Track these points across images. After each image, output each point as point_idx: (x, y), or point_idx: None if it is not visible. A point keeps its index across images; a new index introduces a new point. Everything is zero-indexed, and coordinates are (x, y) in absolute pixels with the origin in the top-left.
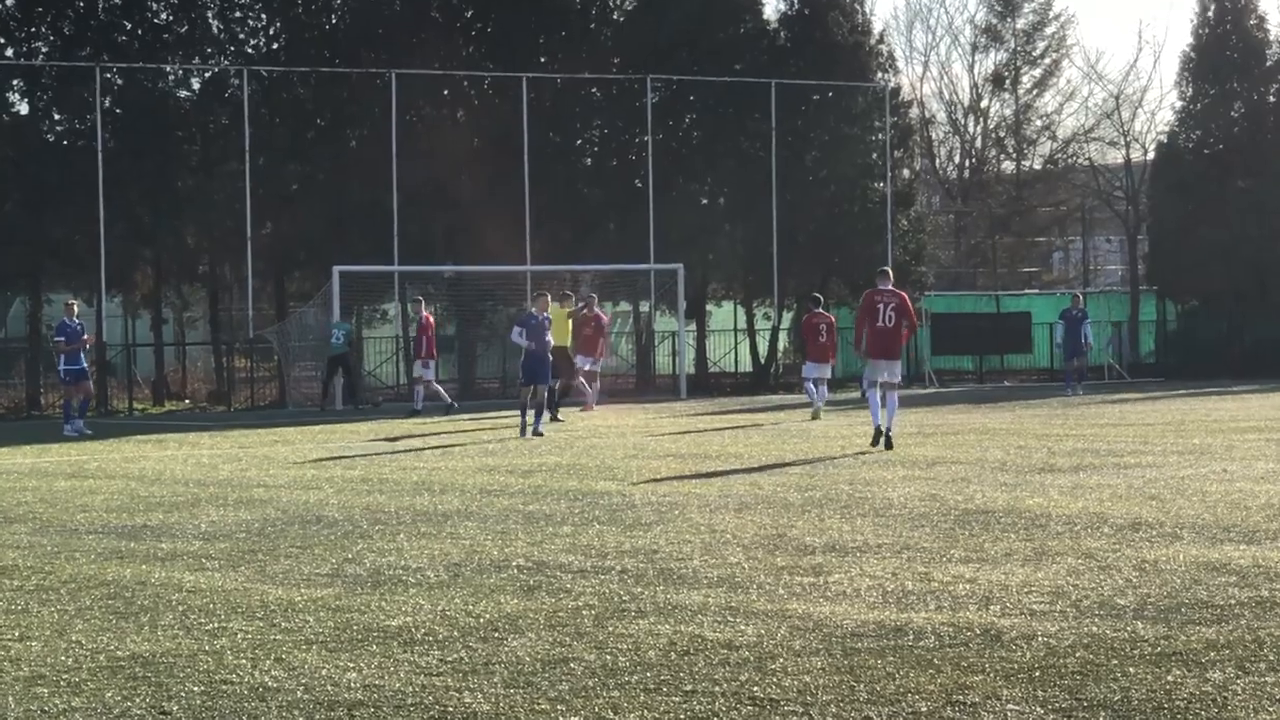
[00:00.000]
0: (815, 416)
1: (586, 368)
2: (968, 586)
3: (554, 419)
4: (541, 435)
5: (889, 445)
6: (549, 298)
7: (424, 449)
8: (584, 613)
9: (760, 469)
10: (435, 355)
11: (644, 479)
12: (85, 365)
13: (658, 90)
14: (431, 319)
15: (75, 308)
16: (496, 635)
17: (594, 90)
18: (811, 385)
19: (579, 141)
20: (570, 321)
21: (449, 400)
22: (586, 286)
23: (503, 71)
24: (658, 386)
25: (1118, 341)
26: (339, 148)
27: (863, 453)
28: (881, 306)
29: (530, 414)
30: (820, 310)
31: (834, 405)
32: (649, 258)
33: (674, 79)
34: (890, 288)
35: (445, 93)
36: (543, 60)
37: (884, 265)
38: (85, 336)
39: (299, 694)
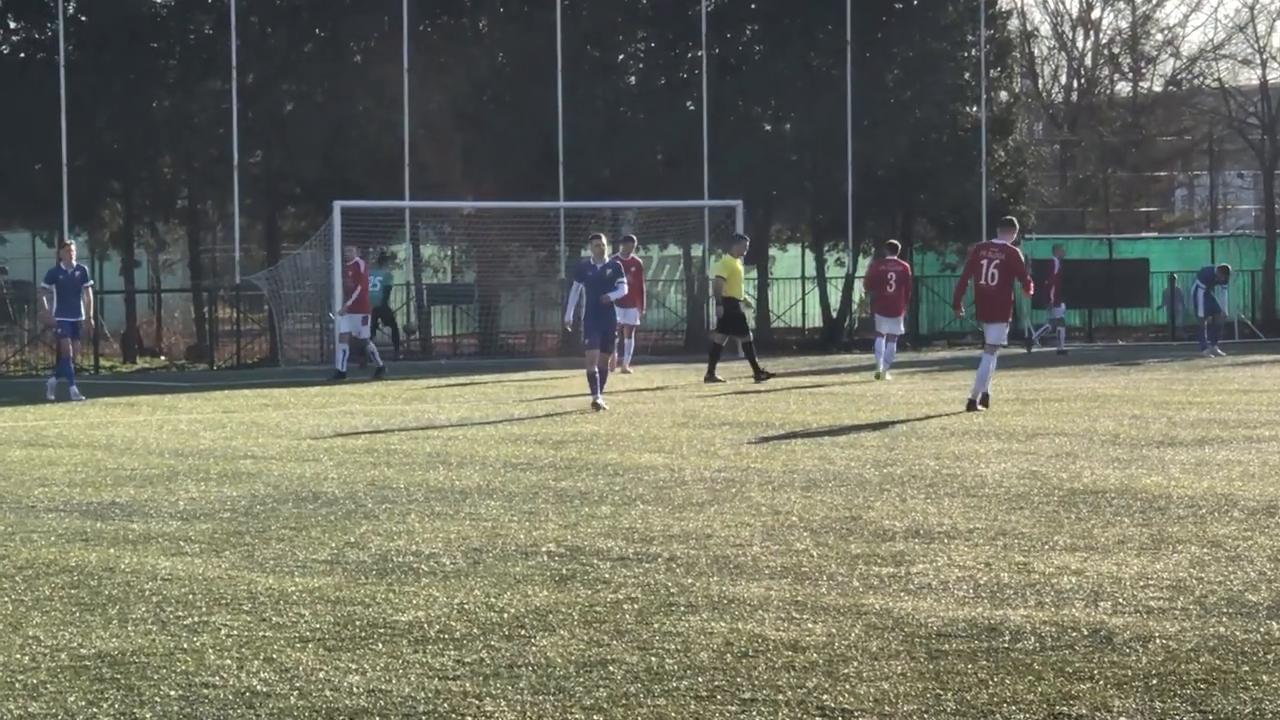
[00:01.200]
0: (878, 377)
1: (632, 321)
2: (1074, 579)
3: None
4: (604, 409)
5: (984, 405)
6: (604, 240)
7: (437, 417)
8: (625, 607)
9: (832, 440)
10: (368, 308)
11: (696, 451)
12: (84, 316)
13: None
14: (363, 265)
15: (74, 250)
16: (523, 633)
17: None
18: (882, 341)
19: (621, 57)
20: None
21: (379, 362)
22: (629, 226)
23: None
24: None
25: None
26: (340, 64)
27: (948, 415)
28: (985, 263)
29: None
30: (891, 257)
31: (918, 366)
32: (702, 193)
33: None
34: (1002, 242)
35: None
36: None
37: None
38: (87, 284)
39: (292, 699)
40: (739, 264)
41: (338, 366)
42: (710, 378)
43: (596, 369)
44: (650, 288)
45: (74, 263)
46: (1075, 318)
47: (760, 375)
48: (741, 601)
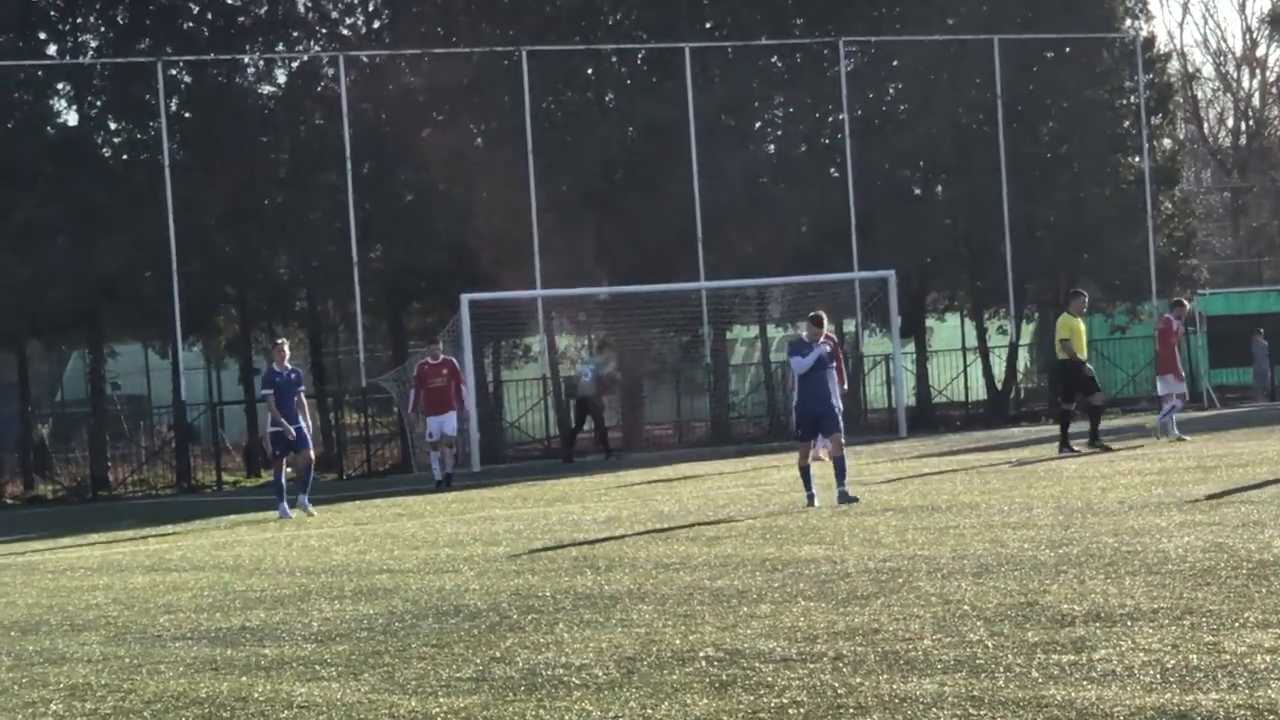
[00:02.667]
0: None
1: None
2: (1268, 658)
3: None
4: (856, 500)
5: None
6: (824, 323)
7: (582, 518)
8: (791, 712)
9: (1003, 520)
10: (425, 409)
11: (858, 540)
12: (305, 426)
13: (852, 55)
14: (434, 362)
15: (287, 350)
16: None
17: (774, 59)
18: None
19: (758, 125)
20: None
21: (440, 474)
22: (775, 304)
23: (659, 43)
24: (870, 423)
25: None
26: (461, 148)
27: (1127, 488)
28: None
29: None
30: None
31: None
32: (852, 264)
33: (871, 40)
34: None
35: (589, 72)
36: (708, 26)
37: (1156, 265)
38: (302, 388)
39: None
40: (1079, 322)
41: (435, 476)
42: (1065, 448)
43: (807, 459)
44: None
45: (287, 365)
46: (1249, 376)
47: (1096, 441)
48: (914, 700)
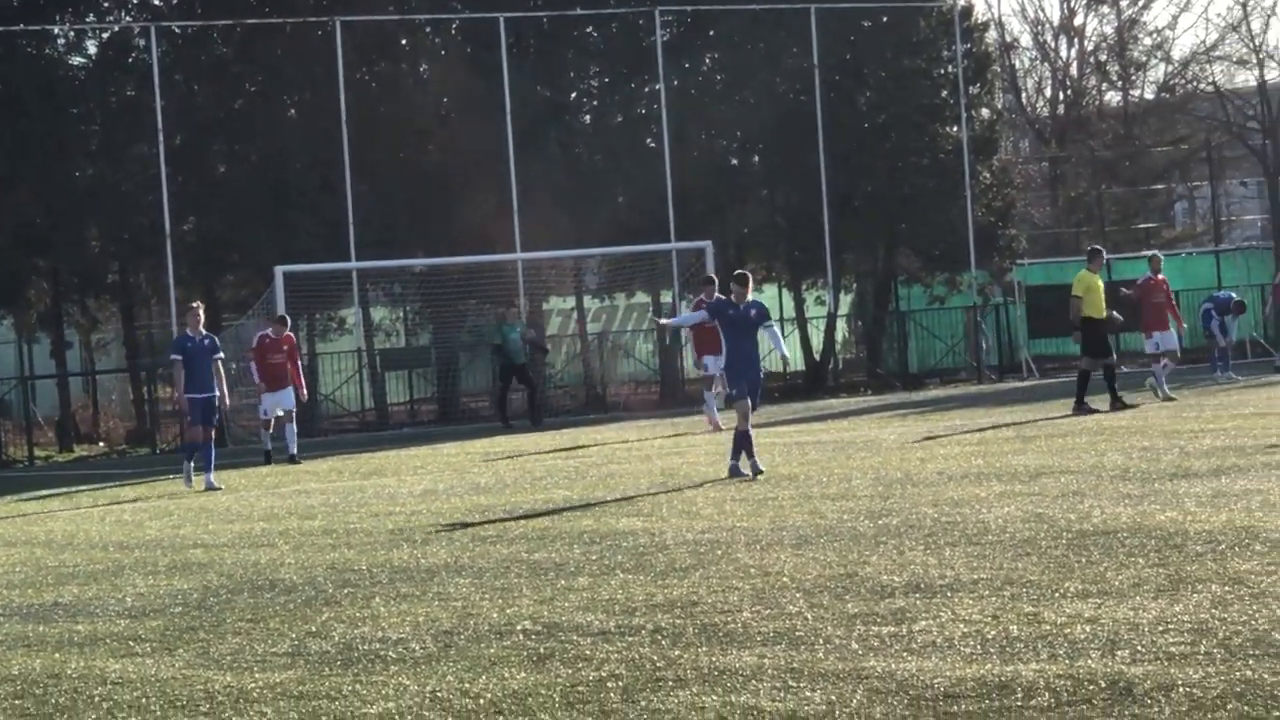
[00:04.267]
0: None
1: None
2: (1088, 628)
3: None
4: (762, 473)
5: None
6: (750, 284)
7: (398, 491)
8: (609, 685)
9: (822, 492)
10: (265, 385)
11: (677, 512)
12: (218, 396)
13: (668, 25)
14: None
15: (201, 315)
16: (501, 719)
17: (589, 30)
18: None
19: (574, 95)
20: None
21: (270, 445)
22: (592, 275)
23: (474, 13)
24: (687, 395)
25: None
26: (274, 119)
27: (946, 459)
28: None
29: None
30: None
31: (909, 408)
32: (669, 235)
33: (687, 9)
34: None
35: (404, 43)
36: None
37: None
38: (219, 355)
39: None
40: (1098, 279)
41: (291, 450)
42: (1081, 408)
43: (746, 423)
44: (617, 338)
45: (201, 330)
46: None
47: (1117, 403)
48: (733, 672)
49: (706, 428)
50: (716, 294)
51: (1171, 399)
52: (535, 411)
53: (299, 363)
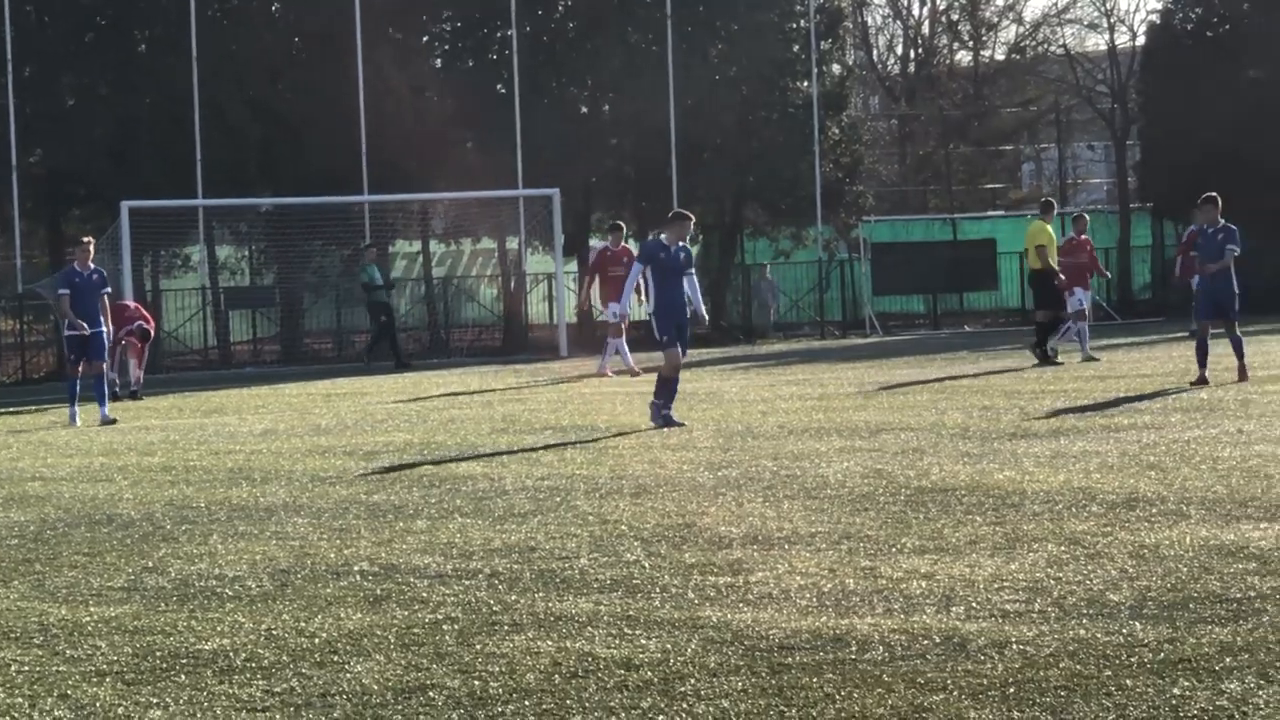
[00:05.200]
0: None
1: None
2: (923, 584)
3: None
4: (683, 425)
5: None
6: (690, 224)
7: (239, 430)
8: (445, 628)
9: (663, 442)
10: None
11: (517, 458)
12: (105, 331)
13: None
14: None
15: (91, 250)
16: (336, 659)
17: None
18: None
19: (425, 38)
20: None
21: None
22: (440, 220)
23: None
24: (531, 342)
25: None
26: (124, 53)
27: (788, 412)
28: None
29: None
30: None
31: (753, 361)
32: (516, 182)
33: None
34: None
35: None
36: None
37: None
38: (106, 290)
39: None
40: (1051, 230)
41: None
42: (1045, 359)
43: (672, 371)
44: (462, 283)
45: (90, 265)
46: (919, 304)
47: (1046, 357)
48: (569, 618)
49: (605, 373)
50: (652, 237)
51: (1094, 358)
52: (399, 353)
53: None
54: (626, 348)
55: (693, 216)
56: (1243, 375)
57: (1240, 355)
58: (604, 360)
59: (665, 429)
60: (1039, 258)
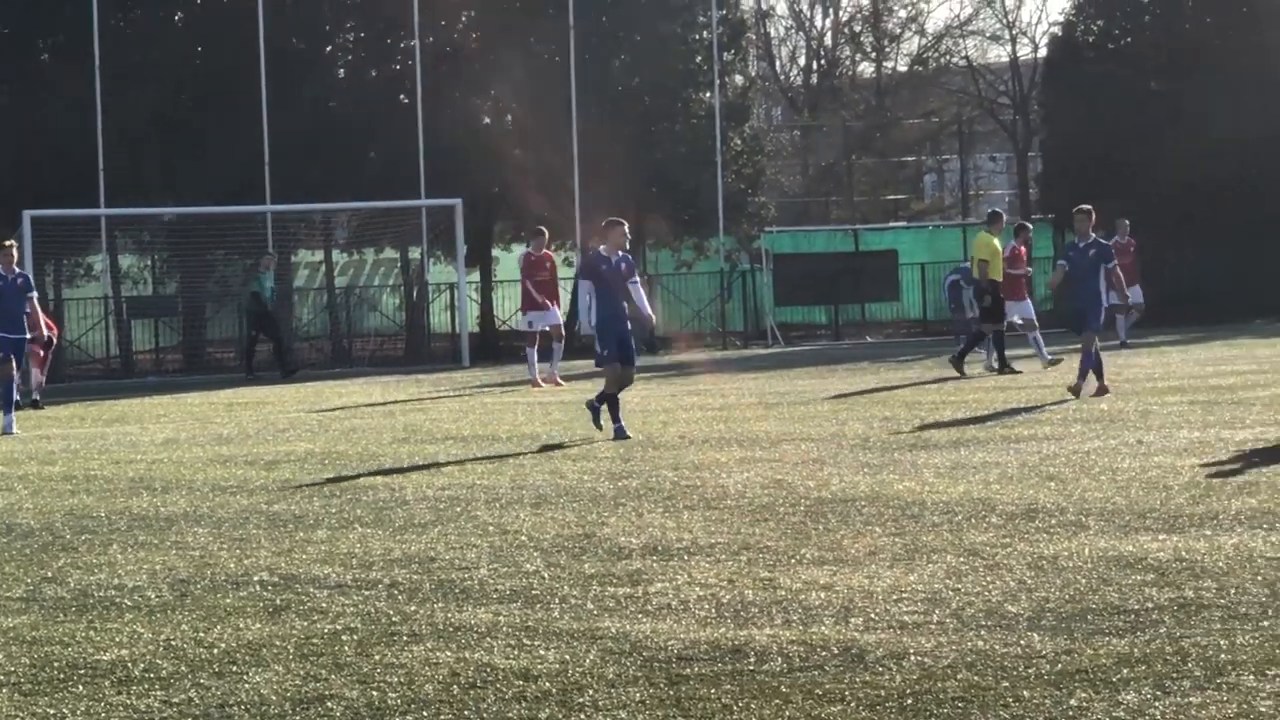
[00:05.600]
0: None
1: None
2: (822, 595)
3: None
4: (629, 438)
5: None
6: (625, 229)
7: (140, 439)
8: (344, 638)
9: (563, 452)
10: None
11: (418, 468)
12: (27, 335)
13: None
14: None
15: (14, 253)
16: (235, 669)
17: None
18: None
19: (329, 49)
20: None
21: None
22: (342, 230)
23: None
24: (433, 352)
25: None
26: (25, 62)
27: (688, 423)
28: None
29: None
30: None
31: (654, 371)
32: (419, 192)
33: None
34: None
35: None
36: None
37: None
38: (32, 294)
39: None
40: (997, 243)
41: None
42: (1005, 367)
43: (614, 387)
44: (364, 293)
45: (15, 269)
46: (820, 315)
47: (960, 367)
48: (468, 629)
49: (534, 384)
50: (597, 249)
51: (1054, 361)
52: (285, 362)
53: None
54: (536, 359)
55: (625, 222)
56: (1078, 390)
57: (1099, 371)
58: (552, 368)
59: (616, 439)
60: (979, 271)
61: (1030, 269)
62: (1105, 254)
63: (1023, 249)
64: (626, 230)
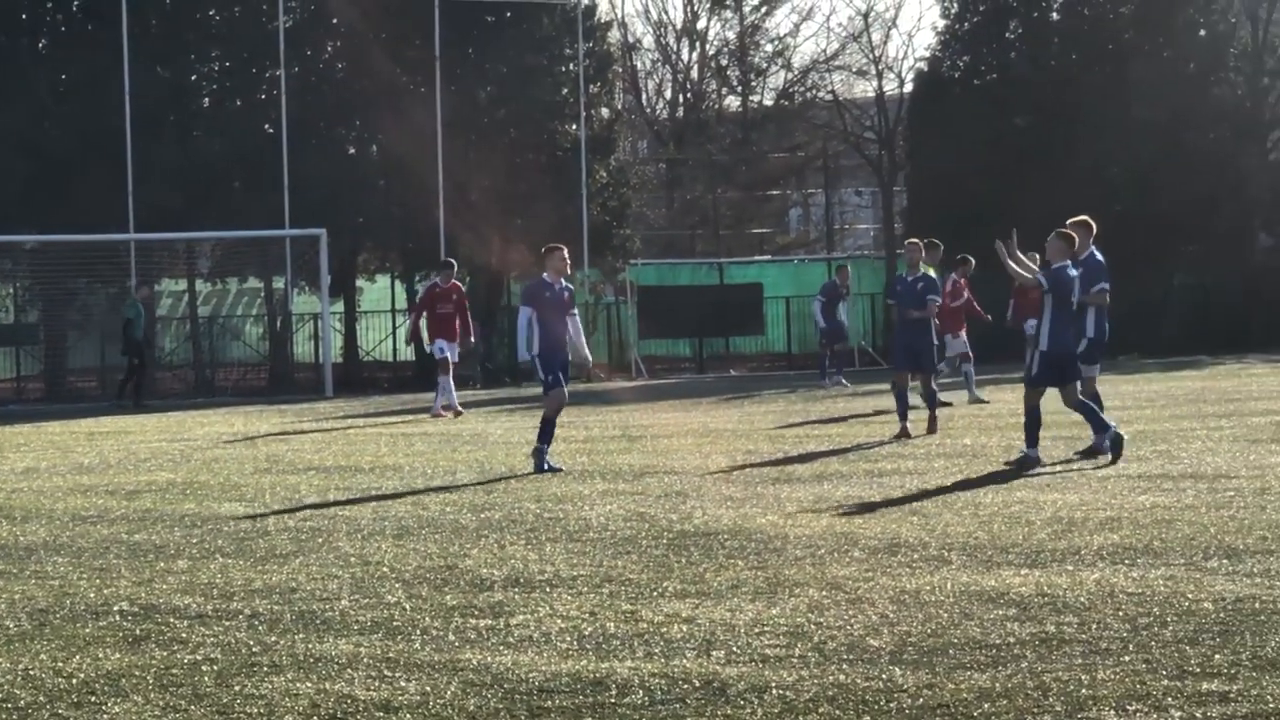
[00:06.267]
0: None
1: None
2: (684, 628)
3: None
4: (561, 470)
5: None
6: (564, 254)
7: None
8: (204, 668)
9: (426, 483)
10: None
11: (279, 499)
12: None
13: (291, 11)
14: None
15: None
16: (94, 699)
17: (212, 12)
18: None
19: (193, 77)
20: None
21: None
22: (205, 259)
23: None
24: (297, 383)
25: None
26: None
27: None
28: None
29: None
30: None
31: (516, 404)
32: (284, 222)
33: None
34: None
35: (23, 16)
36: None
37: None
38: None
39: None
40: (932, 272)
41: None
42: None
43: (553, 416)
44: (228, 322)
45: None
46: (685, 348)
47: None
48: (329, 660)
49: (440, 414)
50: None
51: (983, 400)
52: (138, 392)
53: None
54: (452, 386)
55: (564, 247)
56: (932, 427)
57: (932, 407)
58: (437, 400)
59: (545, 472)
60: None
61: (970, 299)
62: (932, 287)
63: (963, 281)
64: (566, 255)
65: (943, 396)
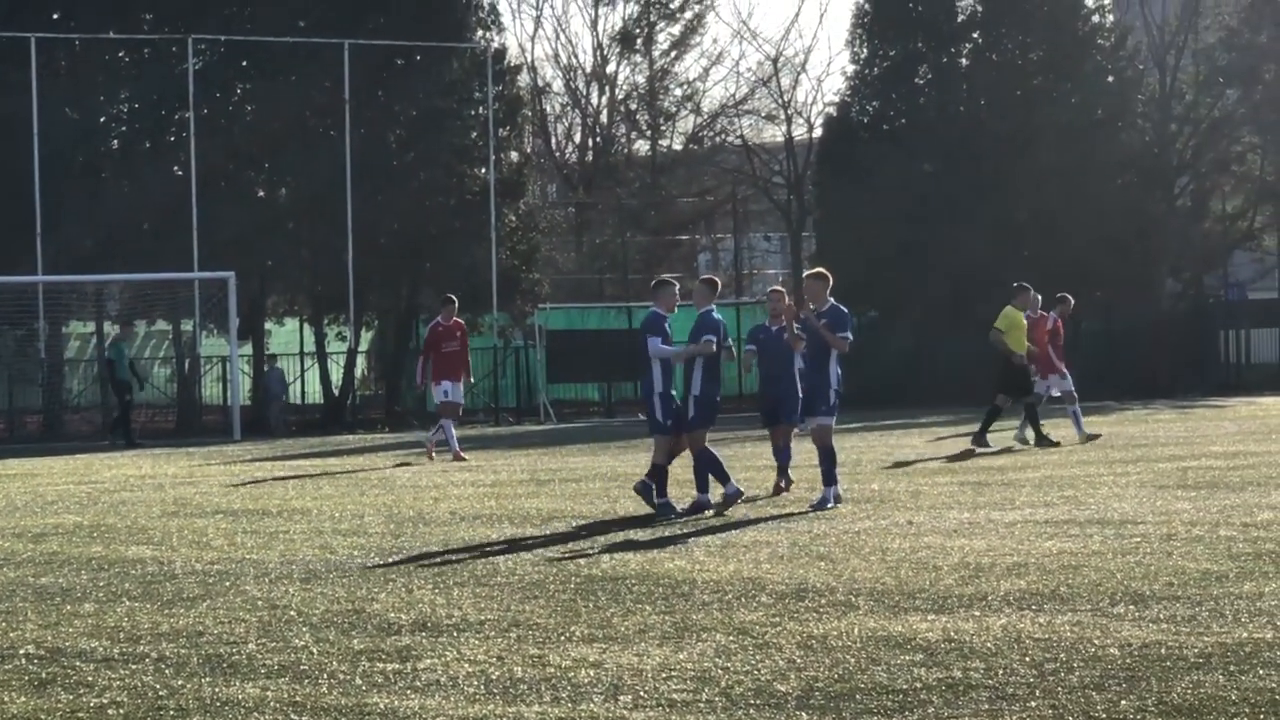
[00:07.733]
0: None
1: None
2: (592, 672)
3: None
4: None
5: None
6: (676, 289)
7: None
8: (110, 713)
9: (334, 527)
10: None
11: (187, 542)
12: None
13: (201, 54)
14: None
15: None
16: None
17: (121, 54)
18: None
19: (102, 119)
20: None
21: None
22: (114, 301)
23: (4, 30)
24: (204, 425)
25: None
26: None
27: (459, 499)
28: None
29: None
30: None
31: (414, 448)
32: (193, 264)
33: (221, 38)
34: None
35: None
36: (55, 17)
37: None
38: None
39: None
40: (1022, 316)
41: None
42: (981, 441)
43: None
44: (136, 365)
45: None
46: (593, 392)
47: (1043, 440)
48: (235, 704)
49: (445, 457)
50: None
51: (1095, 436)
52: (121, 431)
53: None
54: (454, 431)
55: (675, 282)
56: (779, 488)
57: (783, 463)
58: (440, 437)
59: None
60: (999, 341)
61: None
62: (841, 321)
63: (1059, 321)
64: (677, 290)
65: (1053, 436)
